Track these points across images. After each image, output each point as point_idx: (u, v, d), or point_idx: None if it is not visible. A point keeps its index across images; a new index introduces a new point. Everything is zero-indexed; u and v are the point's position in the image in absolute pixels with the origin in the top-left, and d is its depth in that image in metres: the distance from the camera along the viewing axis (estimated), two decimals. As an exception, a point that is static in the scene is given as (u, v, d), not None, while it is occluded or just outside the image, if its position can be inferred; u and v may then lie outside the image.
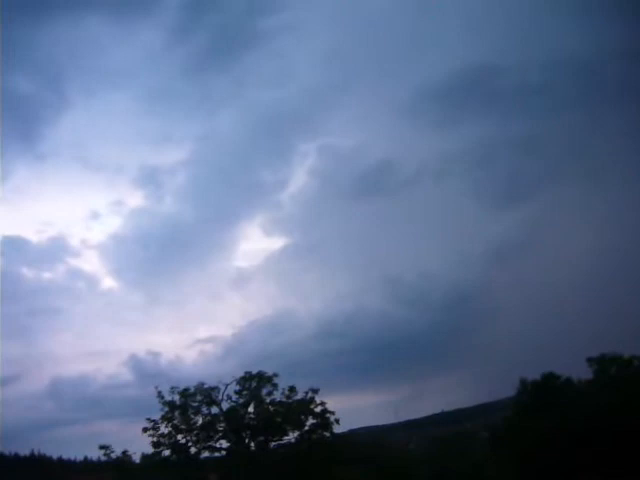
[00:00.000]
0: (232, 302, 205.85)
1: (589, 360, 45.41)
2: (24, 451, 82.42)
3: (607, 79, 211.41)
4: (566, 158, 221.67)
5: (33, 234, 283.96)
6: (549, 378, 45.88)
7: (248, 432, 39.12)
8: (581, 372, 45.76)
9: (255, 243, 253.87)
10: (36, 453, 76.84)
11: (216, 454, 39.61)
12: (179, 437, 38.78)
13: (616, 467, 37.37)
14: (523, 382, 47.02)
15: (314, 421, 38.74)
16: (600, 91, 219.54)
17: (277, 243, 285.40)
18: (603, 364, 45.14)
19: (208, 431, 38.81)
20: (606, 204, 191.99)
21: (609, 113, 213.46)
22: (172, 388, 39.10)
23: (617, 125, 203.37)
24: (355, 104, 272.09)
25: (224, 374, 40.10)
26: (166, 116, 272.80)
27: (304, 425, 38.78)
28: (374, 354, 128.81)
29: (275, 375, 39.49)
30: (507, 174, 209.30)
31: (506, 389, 50.40)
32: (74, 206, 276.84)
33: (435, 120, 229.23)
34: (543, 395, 44.81)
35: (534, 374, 46.59)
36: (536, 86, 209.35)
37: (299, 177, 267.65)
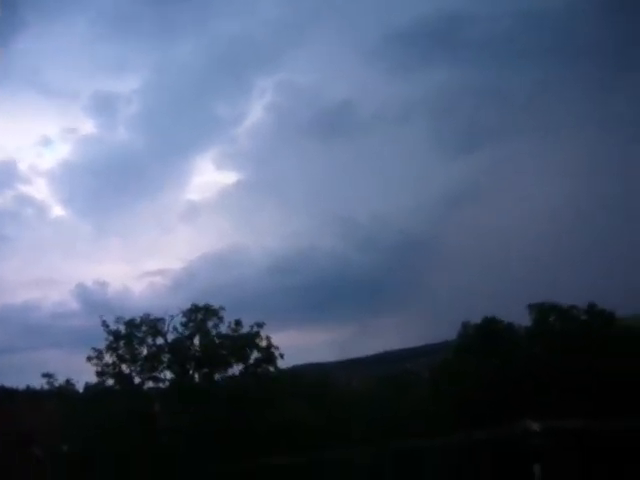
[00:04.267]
0: (183, 235, 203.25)
1: (529, 307, 46.59)
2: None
3: (574, 34, 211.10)
4: (525, 109, 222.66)
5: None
6: (490, 322, 47.02)
7: (192, 364, 39.36)
8: (522, 318, 47.00)
9: (208, 176, 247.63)
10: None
11: (160, 385, 39.86)
12: (123, 367, 38.87)
13: (552, 412, 38.93)
14: (465, 325, 48.14)
15: (259, 355, 39.16)
16: (565, 45, 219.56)
17: (230, 178, 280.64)
18: (542, 312, 46.42)
19: (152, 362, 38.92)
20: (560, 157, 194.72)
21: (570, 68, 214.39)
22: (118, 318, 38.95)
23: (577, 80, 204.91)
24: (318, 42, 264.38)
25: (172, 307, 40.26)
26: (123, 43, 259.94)
27: (249, 358, 39.19)
28: (322, 292, 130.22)
29: (221, 308, 39.63)
30: (466, 122, 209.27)
31: (451, 331, 51.51)
32: (24, 131, 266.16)
33: (399, 64, 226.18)
34: (484, 339, 46.00)
35: (477, 317, 47.69)
36: (503, 36, 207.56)
37: (256, 112, 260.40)
